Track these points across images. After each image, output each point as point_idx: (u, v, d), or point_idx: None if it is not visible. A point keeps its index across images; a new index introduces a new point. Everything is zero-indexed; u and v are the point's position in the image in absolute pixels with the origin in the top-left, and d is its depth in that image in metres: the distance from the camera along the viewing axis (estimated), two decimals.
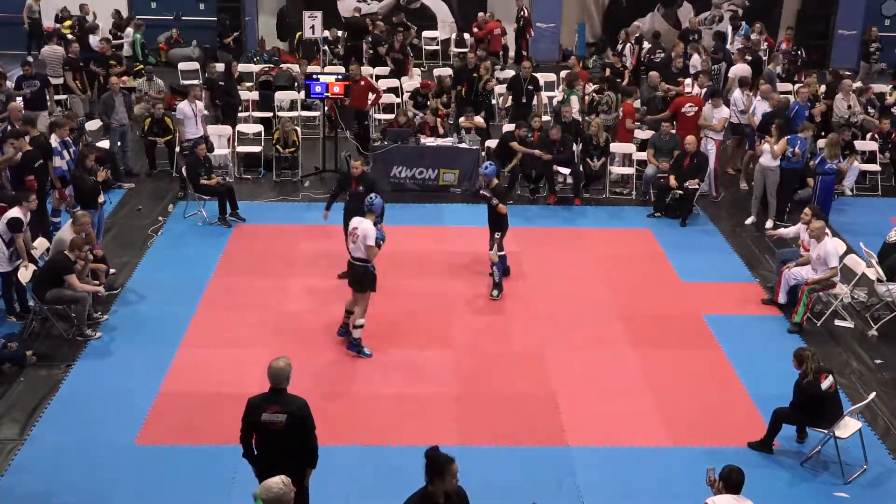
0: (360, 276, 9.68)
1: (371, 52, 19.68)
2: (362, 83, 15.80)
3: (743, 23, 20.88)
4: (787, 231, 11.58)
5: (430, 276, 11.85)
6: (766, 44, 20.60)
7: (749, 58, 17.87)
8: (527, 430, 8.75)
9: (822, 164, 13.30)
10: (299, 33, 20.28)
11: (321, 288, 11.48)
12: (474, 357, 10.01)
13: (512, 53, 21.93)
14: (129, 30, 20.25)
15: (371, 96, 15.93)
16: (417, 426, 8.74)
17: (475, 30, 21.21)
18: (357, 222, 9.62)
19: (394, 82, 18.42)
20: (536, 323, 10.77)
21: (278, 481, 5.75)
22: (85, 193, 11.64)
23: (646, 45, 20.15)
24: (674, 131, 14.55)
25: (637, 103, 16.30)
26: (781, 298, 11.12)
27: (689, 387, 9.56)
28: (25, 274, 10.18)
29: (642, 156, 15.03)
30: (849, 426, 8.28)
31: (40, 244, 10.95)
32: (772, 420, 8.38)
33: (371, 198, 9.77)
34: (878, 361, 10.17)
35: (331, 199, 11.52)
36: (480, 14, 21.82)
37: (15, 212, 10.27)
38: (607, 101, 15.83)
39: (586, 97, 16.25)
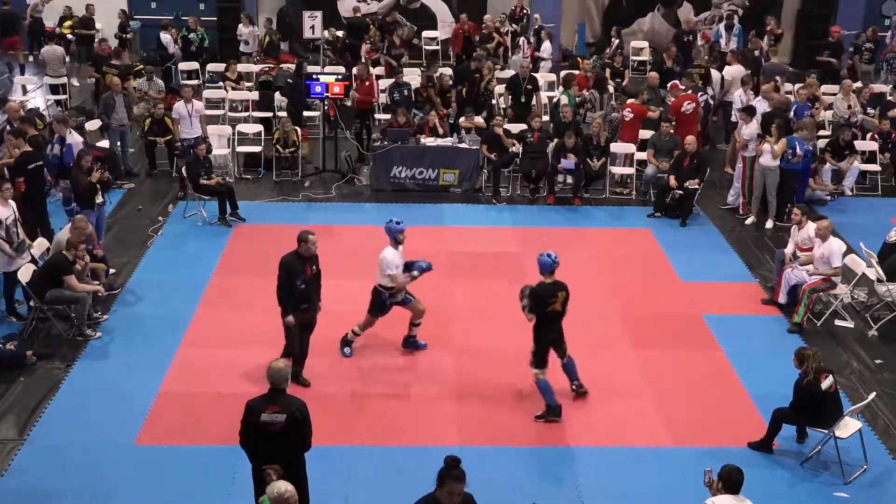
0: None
1: (376, 53, 19.76)
2: (367, 83, 15.84)
3: (736, 23, 20.90)
4: (790, 249, 11.36)
5: (430, 276, 11.81)
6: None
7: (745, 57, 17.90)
8: (527, 430, 8.75)
9: (801, 145, 13.34)
10: (271, 37, 20.41)
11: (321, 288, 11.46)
12: (474, 357, 10.01)
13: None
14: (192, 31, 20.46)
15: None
16: (417, 426, 8.75)
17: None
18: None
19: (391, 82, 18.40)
20: None
21: (285, 484, 5.82)
22: (82, 193, 11.63)
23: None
24: (672, 131, 14.56)
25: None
26: (781, 298, 11.12)
27: (689, 387, 9.56)
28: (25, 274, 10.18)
29: (642, 156, 15.04)
30: (849, 426, 8.28)
31: (40, 244, 10.94)
32: (772, 420, 8.39)
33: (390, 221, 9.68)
34: (878, 361, 10.17)
35: (286, 296, 8.97)
36: (487, 16, 21.83)
37: None
38: (591, 99, 15.94)
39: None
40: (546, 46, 20.18)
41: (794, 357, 8.29)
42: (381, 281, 9.61)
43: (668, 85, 16.36)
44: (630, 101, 15.76)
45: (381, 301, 9.71)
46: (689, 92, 15.66)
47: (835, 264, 10.53)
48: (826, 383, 8.15)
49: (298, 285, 8.95)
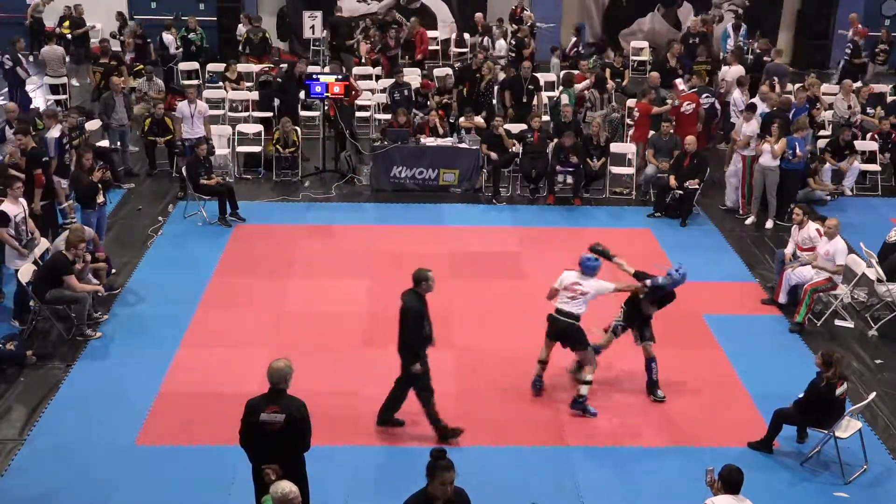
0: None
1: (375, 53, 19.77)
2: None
3: (742, 24, 20.89)
4: (790, 249, 11.36)
5: None
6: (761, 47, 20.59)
7: (751, 57, 17.88)
8: (527, 430, 8.75)
9: (801, 145, 13.33)
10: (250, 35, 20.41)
11: (321, 288, 11.48)
12: (474, 357, 10.00)
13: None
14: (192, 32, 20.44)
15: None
16: (417, 426, 8.73)
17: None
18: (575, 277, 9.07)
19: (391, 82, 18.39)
20: (536, 322, 10.71)
21: (288, 484, 5.83)
22: (83, 192, 11.63)
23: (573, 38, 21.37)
24: (672, 131, 14.56)
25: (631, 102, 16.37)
26: (782, 298, 11.13)
27: (689, 387, 9.55)
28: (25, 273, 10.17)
29: None
30: (849, 426, 8.28)
31: (40, 245, 10.93)
32: (772, 420, 8.38)
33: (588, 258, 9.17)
34: (878, 361, 10.17)
35: (419, 342, 8.29)
36: (478, 15, 21.83)
37: (3, 205, 10.21)
38: (591, 98, 15.98)
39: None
40: (500, 45, 20.21)
41: (821, 357, 8.17)
42: (578, 310, 9.04)
43: (671, 84, 16.34)
44: (632, 101, 15.77)
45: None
46: (691, 92, 15.67)
47: (839, 262, 10.53)
48: (840, 389, 8.12)
49: (426, 328, 8.27)
